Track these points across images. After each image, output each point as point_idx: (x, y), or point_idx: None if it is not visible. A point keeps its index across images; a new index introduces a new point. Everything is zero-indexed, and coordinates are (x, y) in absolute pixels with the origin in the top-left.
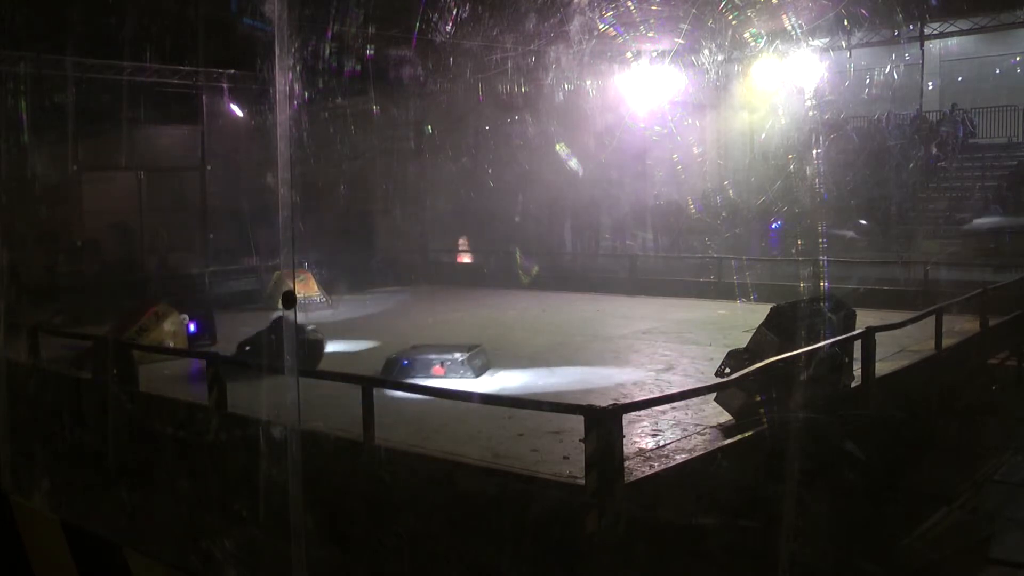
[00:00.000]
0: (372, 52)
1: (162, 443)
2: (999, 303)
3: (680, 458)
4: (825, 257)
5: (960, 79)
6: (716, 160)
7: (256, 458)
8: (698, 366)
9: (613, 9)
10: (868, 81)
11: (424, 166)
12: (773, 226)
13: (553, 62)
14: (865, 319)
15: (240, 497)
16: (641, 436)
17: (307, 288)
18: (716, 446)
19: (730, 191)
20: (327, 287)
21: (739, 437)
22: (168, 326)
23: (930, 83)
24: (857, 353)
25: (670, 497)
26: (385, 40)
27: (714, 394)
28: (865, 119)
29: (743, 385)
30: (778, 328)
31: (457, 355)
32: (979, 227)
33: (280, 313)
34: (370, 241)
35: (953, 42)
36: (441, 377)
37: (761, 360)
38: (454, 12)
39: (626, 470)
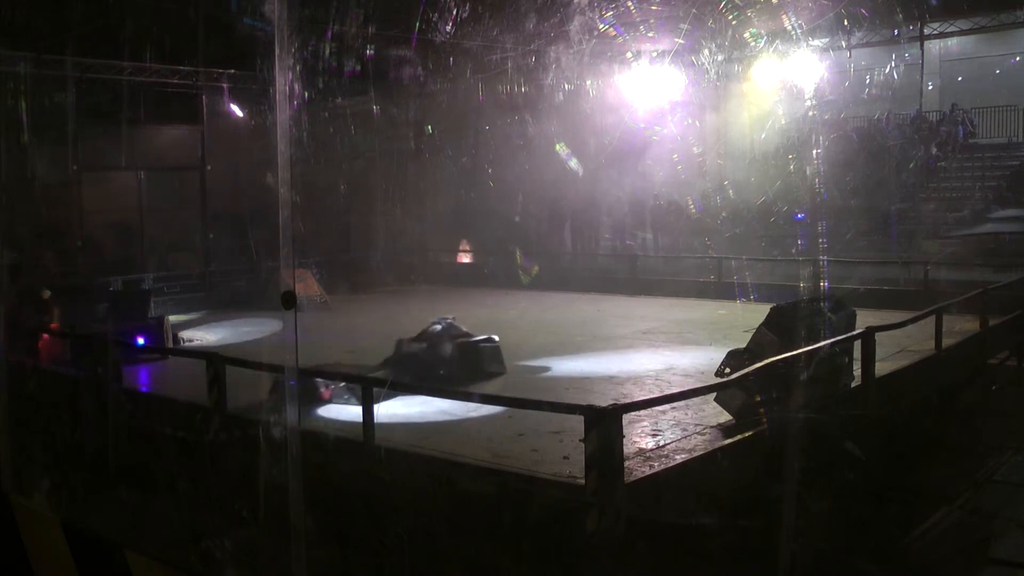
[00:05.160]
0: (372, 52)
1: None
2: (999, 303)
3: (680, 458)
4: (825, 257)
5: (960, 79)
6: (716, 160)
7: (255, 457)
8: (698, 366)
9: (613, 9)
10: (868, 81)
11: (424, 166)
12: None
13: (553, 62)
14: (865, 319)
15: (239, 497)
16: (641, 436)
17: (307, 288)
18: (716, 446)
19: (730, 191)
20: (327, 287)
21: (739, 437)
22: None
23: (930, 83)
24: (857, 353)
25: (670, 497)
26: (385, 40)
27: (714, 394)
28: (865, 119)
29: (743, 385)
30: (778, 328)
31: None
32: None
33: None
34: (370, 241)
35: (953, 42)
36: None
37: (761, 360)
38: (454, 12)
39: (626, 470)
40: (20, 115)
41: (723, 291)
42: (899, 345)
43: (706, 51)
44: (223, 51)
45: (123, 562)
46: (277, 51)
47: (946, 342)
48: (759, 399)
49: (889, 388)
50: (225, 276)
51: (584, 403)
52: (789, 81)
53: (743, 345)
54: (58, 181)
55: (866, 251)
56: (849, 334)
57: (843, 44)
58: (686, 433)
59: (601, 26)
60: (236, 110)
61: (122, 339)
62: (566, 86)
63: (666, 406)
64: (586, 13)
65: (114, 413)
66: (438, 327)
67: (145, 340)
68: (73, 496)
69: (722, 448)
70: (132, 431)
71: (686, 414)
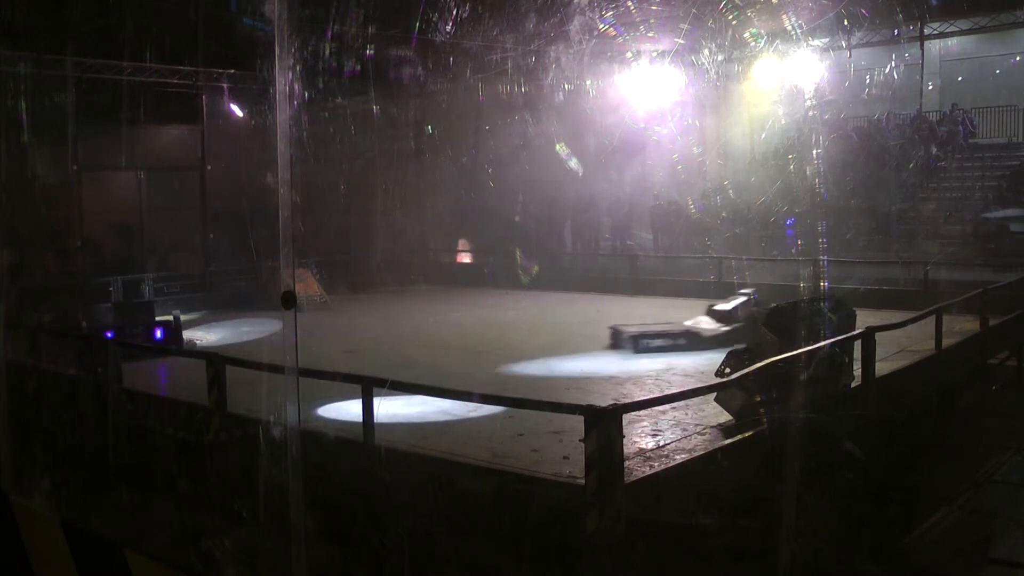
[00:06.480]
0: (372, 52)
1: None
2: (999, 303)
3: (680, 458)
4: (825, 257)
5: (960, 79)
6: (716, 160)
7: (255, 457)
8: (698, 366)
9: (613, 9)
10: (868, 81)
11: (424, 166)
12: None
13: (553, 62)
14: (865, 319)
15: (238, 497)
16: (641, 436)
17: (307, 288)
18: (716, 446)
19: (730, 191)
20: (327, 287)
21: (739, 437)
22: None
23: (930, 83)
24: (857, 353)
25: (670, 497)
26: (385, 40)
27: (714, 394)
28: (865, 119)
29: (743, 385)
30: (778, 328)
31: None
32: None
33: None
34: (370, 241)
35: (953, 42)
36: None
37: (761, 360)
38: (454, 12)
39: (626, 470)
40: (20, 115)
41: (723, 291)
42: (899, 345)
43: (706, 51)
44: (223, 51)
45: (123, 562)
46: (277, 51)
47: (946, 342)
48: (759, 399)
49: (889, 388)
50: (225, 276)
51: (584, 403)
52: (789, 81)
53: (743, 345)
54: (58, 181)
55: (866, 251)
56: (849, 334)
57: (843, 44)
58: (686, 433)
59: (601, 26)
60: (236, 110)
61: (132, 337)
62: (566, 86)
63: (666, 406)
64: (586, 13)
65: (115, 413)
66: (743, 299)
67: (163, 335)
68: (73, 496)
69: (722, 448)
70: (133, 431)
71: (686, 414)
